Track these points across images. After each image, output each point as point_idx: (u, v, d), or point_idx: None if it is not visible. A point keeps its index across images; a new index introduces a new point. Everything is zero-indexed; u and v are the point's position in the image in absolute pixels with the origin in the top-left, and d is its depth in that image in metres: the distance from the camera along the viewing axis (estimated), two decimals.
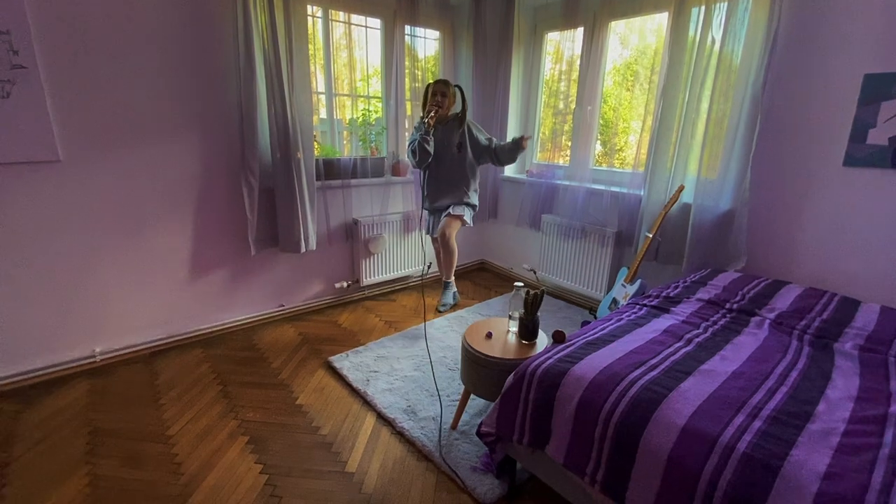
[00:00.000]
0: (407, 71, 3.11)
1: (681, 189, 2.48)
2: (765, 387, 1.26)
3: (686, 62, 2.43)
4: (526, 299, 1.71)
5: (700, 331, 1.61)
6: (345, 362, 2.36)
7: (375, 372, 2.28)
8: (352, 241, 3.09)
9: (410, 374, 2.27)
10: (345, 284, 3.09)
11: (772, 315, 1.76)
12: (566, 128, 3.25)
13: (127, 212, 2.25)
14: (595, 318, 2.87)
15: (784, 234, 2.29)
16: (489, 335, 1.81)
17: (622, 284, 2.66)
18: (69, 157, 2.05)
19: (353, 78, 2.99)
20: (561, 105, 3.27)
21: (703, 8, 2.32)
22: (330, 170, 2.87)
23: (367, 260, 3.11)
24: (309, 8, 2.61)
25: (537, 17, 3.42)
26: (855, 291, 2.07)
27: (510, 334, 1.83)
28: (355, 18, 2.91)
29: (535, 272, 3.50)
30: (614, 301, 2.68)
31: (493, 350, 1.70)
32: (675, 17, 2.41)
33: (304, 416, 1.98)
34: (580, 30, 3.05)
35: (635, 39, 3.09)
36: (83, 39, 1.99)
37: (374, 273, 3.18)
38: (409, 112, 3.18)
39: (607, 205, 2.94)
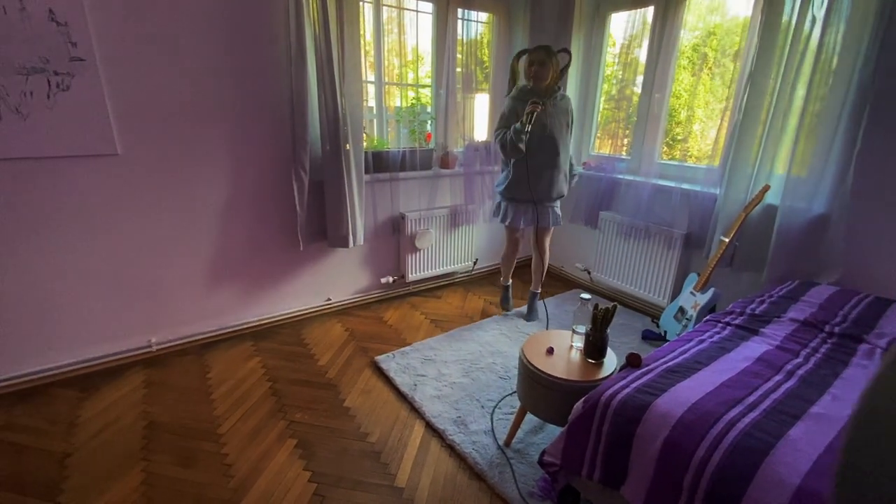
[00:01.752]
0: (459, 58, 2.94)
1: (765, 189, 2.22)
2: None
3: (780, 45, 2.13)
4: (595, 314, 1.55)
5: (800, 360, 1.41)
6: (391, 363, 2.29)
7: (423, 376, 2.19)
8: (398, 235, 3.01)
9: (459, 380, 2.17)
10: (390, 280, 3.02)
11: (882, 343, 1.52)
12: (626, 116, 2.99)
13: (182, 205, 2.25)
14: (658, 326, 2.67)
15: (890, 243, 1.99)
16: (550, 350, 1.67)
17: (691, 292, 2.44)
18: (127, 150, 2.05)
19: (402, 65, 2.86)
20: (625, 92, 3.01)
21: None
22: (379, 162, 2.77)
23: (413, 255, 3.01)
24: None
25: None
26: None
27: (574, 350, 1.69)
28: (407, 2, 2.77)
29: (589, 272, 3.30)
30: (681, 310, 2.46)
31: (556, 369, 1.56)
32: None
33: (352, 421, 1.93)
34: (650, 9, 2.77)
35: (703, 19, 2.77)
36: (139, 30, 1.96)
37: (420, 269, 3.09)
38: (458, 99, 3.02)
39: (676, 203, 2.69)
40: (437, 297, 3.14)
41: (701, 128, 2.98)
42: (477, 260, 3.41)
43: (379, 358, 2.34)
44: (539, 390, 1.58)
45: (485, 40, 3.22)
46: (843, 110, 1.98)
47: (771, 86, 2.20)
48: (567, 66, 2.43)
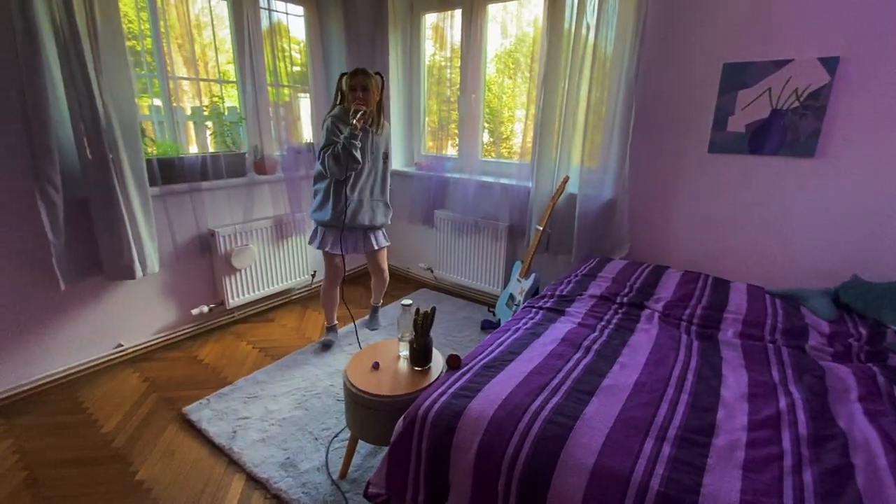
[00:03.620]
0: (268, 51, 2.64)
1: (566, 180, 2.44)
2: (667, 397, 1.18)
3: (564, 49, 2.36)
4: (415, 320, 1.47)
5: (596, 334, 1.52)
6: (204, 412, 1.91)
7: (245, 419, 1.87)
8: (209, 255, 2.58)
9: (290, 414, 1.91)
10: (205, 309, 2.57)
11: (659, 307, 1.75)
12: (454, 116, 3.06)
13: None
14: (494, 315, 2.77)
15: (661, 219, 2.36)
16: (376, 366, 1.54)
17: (517, 279, 2.58)
18: None
19: (195, 58, 2.45)
20: (447, 92, 3.07)
21: None
22: (170, 171, 2.32)
23: (232, 277, 2.62)
24: None
25: None
26: (724, 271, 2.20)
27: (401, 360, 1.58)
28: None
29: (431, 271, 3.30)
30: (511, 297, 2.59)
31: (381, 386, 1.44)
32: (552, 4, 2.32)
33: (146, 497, 1.53)
34: (458, 12, 2.86)
35: (515, 26, 2.99)
36: None
37: (243, 291, 2.70)
38: (271, 98, 2.72)
39: (498, 198, 2.83)
40: (269, 321, 2.79)
41: (521, 127, 3.21)
42: (315, 272, 3.14)
43: (188, 408, 1.93)
44: (364, 412, 1.44)
45: (296, 35, 2.97)
46: (617, 108, 2.27)
47: (561, 87, 2.42)
48: (382, 91, 2.22)
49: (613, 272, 2.08)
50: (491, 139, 3.22)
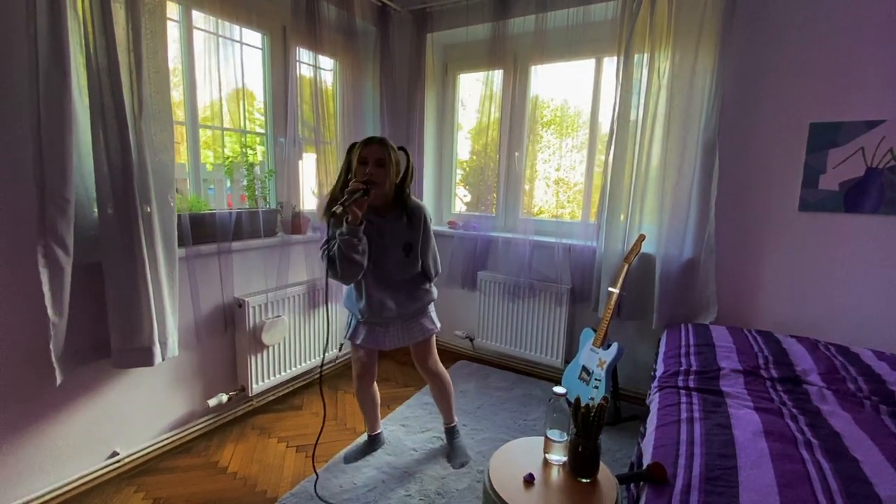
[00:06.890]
0: (305, 102, 2.41)
1: (642, 238, 2.27)
2: None
3: (635, 107, 2.29)
4: (583, 414, 1.14)
5: (791, 422, 1.26)
6: None
7: None
8: (232, 330, 2.13)
9: None
10: (224, 399, 2.07)
11: (815, 380, 1.53)
12: (493, 175, 2.88)
13: None
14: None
15: (749, 280, 2.21)
16: (530, 479, 1.17)
17: (591, 349, 2.29)
18: None
19: (231, 107, 2.16)
20: (485, 150, 2.92)
21: (646, 55, 2.23)
22: (201, 230, 1.94)
23: (258, 356, 2.16)
24: (169, 6, 1.79)
25: (448, 56, 3.10)
26: (828, 334, 2.04)
27: (555, 469, 1.22)
28: (228, 29, 2.14)
29: (471, 340, 2.96)
30: (584, 370, 2.28)
31: None
32: (623, 63, 2.27)
33: None
34: (499, 72, 2.79)
35: (564, 84, 2.89)
36: None
37: (269, 373, 2.23)
38: (306, 150, 2.44)
39: (559, 259, 2.60)
40: (296, 409, 2.29)
41: (582, 186, 2.93)
42: (342, 344, 2.72)
43: None
44: None
45: (329, 87, 2.77)
46: (696, 166, 2.14)
47: (631, 145, 2.31)
48: (408, 169, 1.65)
49: (728, 341, 1.86)
50: (553, 197, 2.95)
